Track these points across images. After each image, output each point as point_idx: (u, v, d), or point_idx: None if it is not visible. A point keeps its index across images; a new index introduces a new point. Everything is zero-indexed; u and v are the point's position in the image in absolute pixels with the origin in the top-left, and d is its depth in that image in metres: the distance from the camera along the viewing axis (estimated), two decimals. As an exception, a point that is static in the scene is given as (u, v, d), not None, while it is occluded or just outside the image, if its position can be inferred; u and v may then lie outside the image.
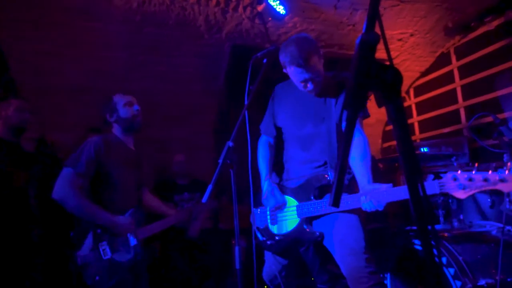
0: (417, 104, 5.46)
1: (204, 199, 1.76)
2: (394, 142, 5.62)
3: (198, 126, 4.77)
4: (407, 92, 5.58)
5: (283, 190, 2.15)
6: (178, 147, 4.51)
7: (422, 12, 4.13)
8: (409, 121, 5.55)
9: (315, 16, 3.95)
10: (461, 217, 2.64)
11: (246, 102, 2.00)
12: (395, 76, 0.61)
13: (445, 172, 3.45)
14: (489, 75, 4.26)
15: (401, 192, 1.63)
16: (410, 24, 4.31)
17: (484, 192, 2.60)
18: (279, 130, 2.27)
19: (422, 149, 4.11)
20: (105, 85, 3.72)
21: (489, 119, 2.81)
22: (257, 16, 3.70)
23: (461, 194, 1.49)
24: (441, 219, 2.69)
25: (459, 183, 1.49)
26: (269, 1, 3.26)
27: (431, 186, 1.56)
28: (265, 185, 2.15)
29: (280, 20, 3.63)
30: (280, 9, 3.32)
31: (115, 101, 2.49)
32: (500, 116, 3.96)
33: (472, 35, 4.46)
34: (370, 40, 0.59)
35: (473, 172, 1.47)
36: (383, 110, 5.74)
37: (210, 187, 1.73)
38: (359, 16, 4.03)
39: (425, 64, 5.14)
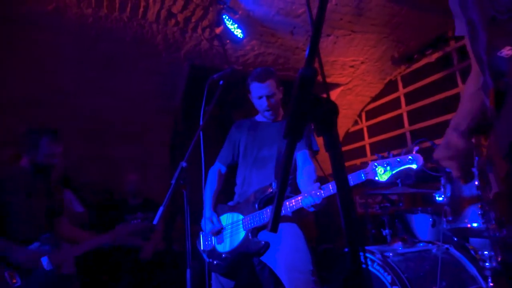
0: (368, 127, 5.75)
1: (155, 221, 1.73)
2: (347, 163, 5.85)
3: (153, 145, 4.68)
4: (359, 116, 5.87)
5: (231, 208, 2.20)
6: (131, 166, 4.38)
7: (372, 42, 4.41)
8: (361, 143, 5.82)
9: (272, 41, 4.09)
10: (406, 236, 2.78)
11: (201, 123, 2.03)
12: (331, 109, 0.66)
13: (393, 194, 3.59)
14: (431, 103, 4.61)
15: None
16: (361, 52, 4.58)
17: (426, 212, 2.77)
18: (236, 158, 2.36)
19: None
20: (54, 100, 3.58)
21: (428, 144, 3.03)
22: (215, 37, 3.76)
23: (383, 177, 1.75)
24: (388, 238, 2.82)
25: (380, 168, 1.76)
26: (227, 24, 3.34)
27: (357, 177, 1.77)
28: (206, 213, 2.22)
29: (238, 43, 3.72)
30: (238, 33, 3.40)
31: (41, 143, 2.34)
32: (438, 141, 4.28)
33: (416, 65, 4.84)
34: (309, 75, 0.64)
35: (390, 157, 1.76)
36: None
37: (161, 209, 1.71)
38: (313, 43, 4.22)
39: (375, 90, 5.46)
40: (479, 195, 2.22)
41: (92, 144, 4.13)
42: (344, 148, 6.07)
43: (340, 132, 6.01)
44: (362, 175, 1.77)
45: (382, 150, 5.43)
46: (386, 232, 2.83)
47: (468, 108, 1.16)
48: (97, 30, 3.50)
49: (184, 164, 1.81)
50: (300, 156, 2.13)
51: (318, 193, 1.78)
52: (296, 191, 2.13)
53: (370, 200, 4.04)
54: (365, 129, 5.79)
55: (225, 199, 2.36)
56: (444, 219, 2.19)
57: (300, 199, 1.85)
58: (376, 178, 1.75)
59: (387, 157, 1.77)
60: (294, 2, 3.54)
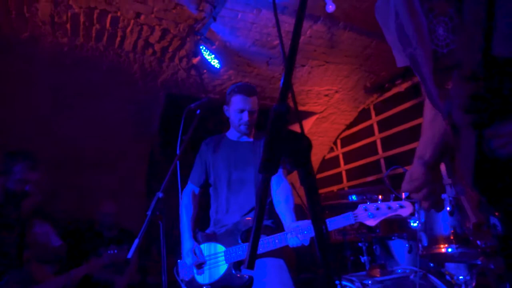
0: (344, 154, 5.86)
1: (130, 254, 1.67)
2: (323, 190, 5.90)
3: (129, 174, 4.58)
4: (335, 143, 5.99)
5: (211, 237, 2.14)
6: (106, 195, 4.26)
7: (345, 72, 4.59)
8: (337, 170, 5.91)
9: (249, 70, 4.17)
10: (384, 262, 2.79)
11: (178, 152, 2.01)
12: (305, 144, 0.67)
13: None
14: (402, 130, 4.78)
15: None
16: (335, 82, 4.74)
17: (402, 238, 2.81)
18: (209, 178, 2.29)
19: (350, 198, 4.36)
20: (27, 128, 3.48)
21: (401, 170, 3.12)
22: (192, 67, 3.81)
23: (371, 222, 1.76)
24: (367, 265, 2.82)
25: (369, 213, 1.76)
26: (204, 54, 3.39)
27: (347, 218, 1.78)
28: (187, 243, 2.12)
29: (215, 72, 3.78)
30: (215, 63, 3.46)
31: (15, 169, 2.25)
32: (409, 167, 4.41)
33: (387, 94, 5.04)
34: (282, 110, 0.66)
35: (379, 202, 1.78)
36: (313, 158, 6.04)
37: (136, 241, 1.66)
38: (289, 73, 4.34)
39: (349, 117, 5.62)
40: (452, 221, 2.28)
41: (65, 172, 4.01)
42: (321, 175, 6.14)
43: (316, 159, 6.10)
44: (353, 217, 1.78)
45: (357, 177, 5.55)
46: (364, 259, 2.84)
47: (429, 136, 1.13)
48: (73, 59, 3.47)
49: (160, 194, 1.78)
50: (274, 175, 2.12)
51: (305, 232, 1.76)
52: (272, 214, 2.11)
53: (347, 227, 4.06)
54: (341, 156, 5.90)
55: (201, 223, 2.29)
56: (420, 245, 2.23)
57: (287, 238, 1.82)
58: (365, 222, 1.77)
59: (377, 202, 1.80)
60: (270, 34, 3.65)
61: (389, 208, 1.76)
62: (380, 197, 2.46)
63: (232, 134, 2.30)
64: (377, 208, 1.76)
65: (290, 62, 0.71)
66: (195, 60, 3.47)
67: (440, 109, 0.90)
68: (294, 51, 0.69)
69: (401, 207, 1.76)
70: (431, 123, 1.10)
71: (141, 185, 4.69)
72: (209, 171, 2.27)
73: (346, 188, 5.60)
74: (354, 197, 4.36)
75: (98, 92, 3.88)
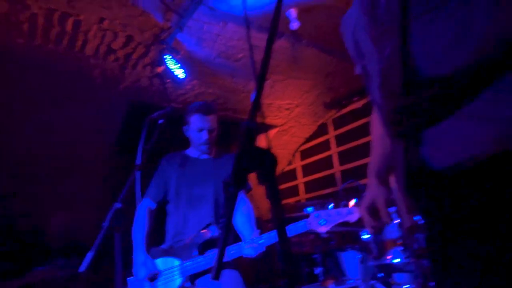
0: (302, 166, 6.02)
1: (82, 268, 1.60)
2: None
3: (86, 183, 4.39)
4: (294, 156, 6.14)
5: (167, 252, 2.11)
6: (61, 205, 4.06)
7: (306, 87, 4.76)
8: (295, 182, 6.04)
9: (213, 82, 4.21)
10: (337, 274, 2.90)
11: (138, 162, 1.98)
12: (271, 160, 0.72)
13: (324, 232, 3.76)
14: (358, 145, 5.02)
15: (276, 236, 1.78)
16: (296, 96, 4.89)
17: (354, 249, 2.94)
18: (167, 195, 2.26)
19: (306, 210, 4.48)
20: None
21: (355, 184, 3.29)
22: (156, 76, 3.77)
23: (323, 229, 1.84)
24: (320, 276, 2.92)
25: (321, 220, 1.85)
26: (168, 64, 3.38)
27: (301, 226, 1.85)
28: (139, 257, 2.06)
29: (179, 82, 3.77)
30: (180, 73, 3.45)
31: None
32: (364, 181, 4.63)
33: (345, 110, 5.27)
34: (251, 128, 0.71)
35: (330, 209, 1.87)
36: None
37: (89, 255, 1.59)
38: (253, 85, 4.43)
39: (309, 131, 5.80)
40: (400, 233, 2.44)
41: (19, 180, 3.78)
42: (279, 187, 6.24)
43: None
44: (306, 225, 1.85)
45: (315, 189, 5.71)
46: (318, 270, 2.93)
47: (379, 152, 1.14)
48: (29, 61, 3.32)
49: (118, 205, 1.74)
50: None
51: (260, 242, 1.81)
52: (231, 231, 2.14)
53: (303, 239, 4.16)
54: (298, 169, 6.05)
55: (153, 239, 2.25)
56: (370, 256, 2.36)
57: (242, 248, 1.85)
58: (316, 229, 1.84)
59: (327, 209, 1.88)
60: (235, 47, 3.72)
61: (339, 214, 1.84)
62: (332, 204, 2.58)
63: (192, 152, 2.31)
64: (328, 215, 1.84)
65: (261, 80, 0.77)
66: (159, 69, 3.44)
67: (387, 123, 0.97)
68: (265, 69, 0.75)
69: (350, 213, 1.85)
70: (381, 137, 1.13)
71: (98, 194, 4.51)
72: (168, 187, 2.25)
73: (303, 200, 5.74)
74: (310, 209, 4.48)
75: (55, 96, 3.72)
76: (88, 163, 4.32)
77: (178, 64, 3.40)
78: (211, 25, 3.43)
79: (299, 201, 5.77)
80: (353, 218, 1.83)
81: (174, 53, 3.39)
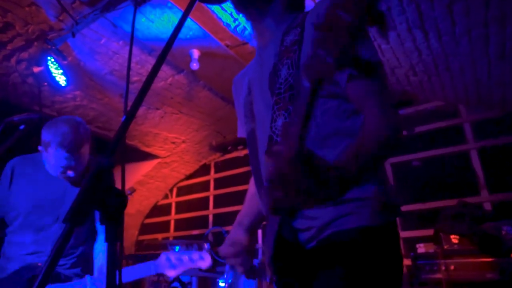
0: (177, 203, 5.87)
1: None
2: (148, 236, 5.69)
3: None
4: (171, 191, 5.97)
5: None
6: None
7: (195, 126, 4.79)
8: (167, 218, 5.83)
9: (99, 97, 3.92)
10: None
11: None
12: (122, 201, 0.68)
13: (185, 275, 3.66)
14: (235, 192, 5.17)
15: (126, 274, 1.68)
16: (184, 132, 4.87)
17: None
18: (5, 214, 1.87)
19: (173, 248, 4.31)
20: None
21: (219, 230, 3.33)
22: (31, 75, 3.35)
23: (172, 273, 1.73)
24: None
25: (171, 263, 1.73)
26: (50, 67, 3.04)
27: (148, 268, 1.71)
28: None
29: (58, 89, 3.40)
30: (61, 79, 3.13)
31: None
32: (229, 228, 4.75)
33: (228, 156, 5.44)
34: (105, 164, 0.66)
35: (181, 253, 1.78)
36: (145, 202, 5.85)
37: None
38: (142, 110, 4.27)
39: (190, 169, 5.76)
40: (254, 284, 2.52)
41: None
42: (150, 220, 5.95)
43: (149, 203, 5.92)
44: (155, 267, 1.72)
45: (184, 228, 5.59)
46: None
47: (249, 206, 1.21)
48: None
49: None
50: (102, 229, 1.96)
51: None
52: (81, 263, 1.91)
53: (161, 278, 3.96)
54: (173, 204, 5.89)
55: None
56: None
57: (86, 285, 1.67)
58: (165, 272, 1.74)
59: (179, 252, 1.80)
60: (131, 69, 3.58)
61: (190, 259, 1.77)
62: (183, 246, 2.51)
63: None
64: (179, 259, 1.75)
65: (131, 114, 0.74)
66: (36, 69, 3.06)
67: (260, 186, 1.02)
68: (140, 100, 0.72)
69: (201, 259, 1.79)
70: (253, 195, 1.19)
71: None
72: (9, 202, 1.83)
73: (171, 238, 5.54)
74: (177, 248, 4.34)
75: None
76: None
77: (61, 69, 3.09)
78: (110, 41, 3.26)
79: (167, 238, 5.55)
80: (204, 264, 1.78)
81: (61, 58, 3.08)
